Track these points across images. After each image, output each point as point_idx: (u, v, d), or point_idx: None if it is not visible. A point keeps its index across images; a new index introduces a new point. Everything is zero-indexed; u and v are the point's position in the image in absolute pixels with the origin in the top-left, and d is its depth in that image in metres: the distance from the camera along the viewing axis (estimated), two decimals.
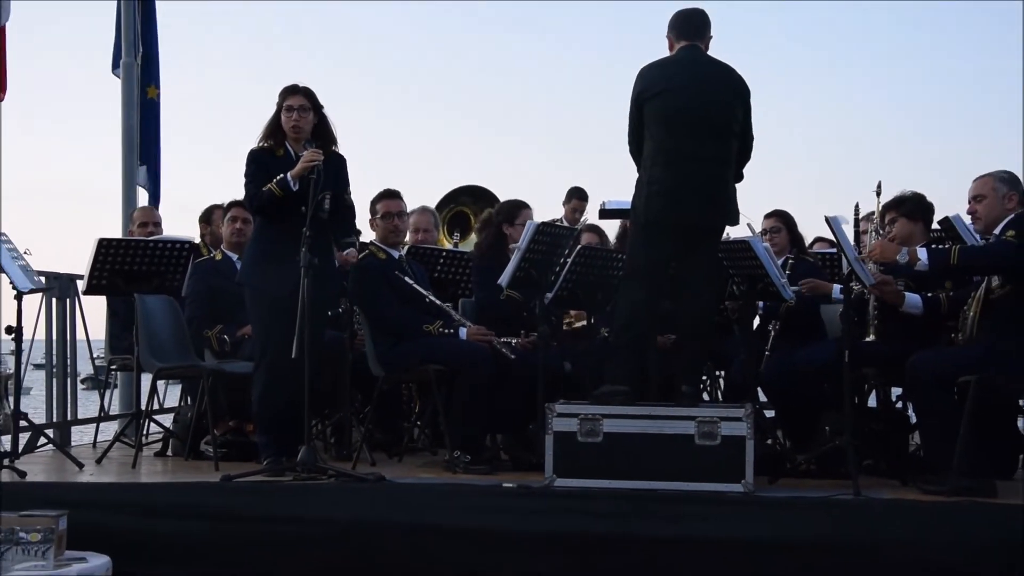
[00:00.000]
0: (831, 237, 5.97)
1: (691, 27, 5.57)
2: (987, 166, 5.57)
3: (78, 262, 6.68)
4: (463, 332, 6.13)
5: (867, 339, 5.77)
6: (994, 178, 5.41)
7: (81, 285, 6.80)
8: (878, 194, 5.93)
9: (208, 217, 7.43)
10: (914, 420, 5.97)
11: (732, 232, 5.91)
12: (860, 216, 5.89)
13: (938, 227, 6.09)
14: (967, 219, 5.70)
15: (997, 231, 5.37)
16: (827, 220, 5.56)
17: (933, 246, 5.52)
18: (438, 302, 6.24)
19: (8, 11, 7.39)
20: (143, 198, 9.25)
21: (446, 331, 6.14)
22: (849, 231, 5.64)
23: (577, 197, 8.76)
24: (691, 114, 5.38)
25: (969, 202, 5.50)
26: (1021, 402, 6.22)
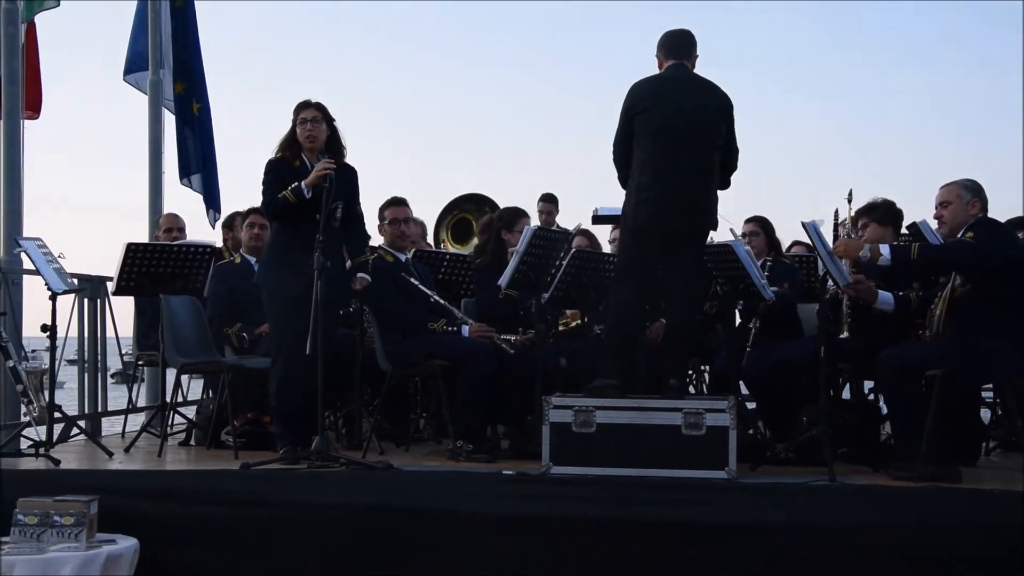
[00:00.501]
0: (807, 240, 5.98)
1: (678, 47, 5.59)
2: (957, 174, 5.55)
3: (109, 265, 6.70)
4: (465, 330, 6.15)
5: (841, 336, 5.78)
6: (959, 185, 5.43)
7: (111, 286, 6.82)
8: (849, 201, 5.94)
9: (231, 223, 7.45)
10: (885, 411, 5.98)
11: (716, 236, 5.93)
12: (838, 221, 5.92)
13: (906, 232, 6.09)
14: (934, 224, 5.71)
15: (960, 235, 5.38)
16: (803, 225, 5.58)
17: (895, 244, 5.50)
18: (442, 301, 6.27)
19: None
20: (168, 206, 9.22)
21: (450, 329, 6.16)
22: (827, 233, 5.67)
23: (545, 200, 8.74)
24: (677, 127, 5.40)
25: (936, 208, 5.50)
26: (984, 394, 6.25)
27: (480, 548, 4.88)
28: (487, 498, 5.00)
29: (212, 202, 9.51)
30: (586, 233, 6.99)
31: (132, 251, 6.36)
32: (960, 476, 5.16)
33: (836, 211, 5.91)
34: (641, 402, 5.26)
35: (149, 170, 9.21)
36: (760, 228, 6.63)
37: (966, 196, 5.40)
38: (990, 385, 6.05)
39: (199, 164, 9.38)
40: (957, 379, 5.17)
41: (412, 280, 6.26)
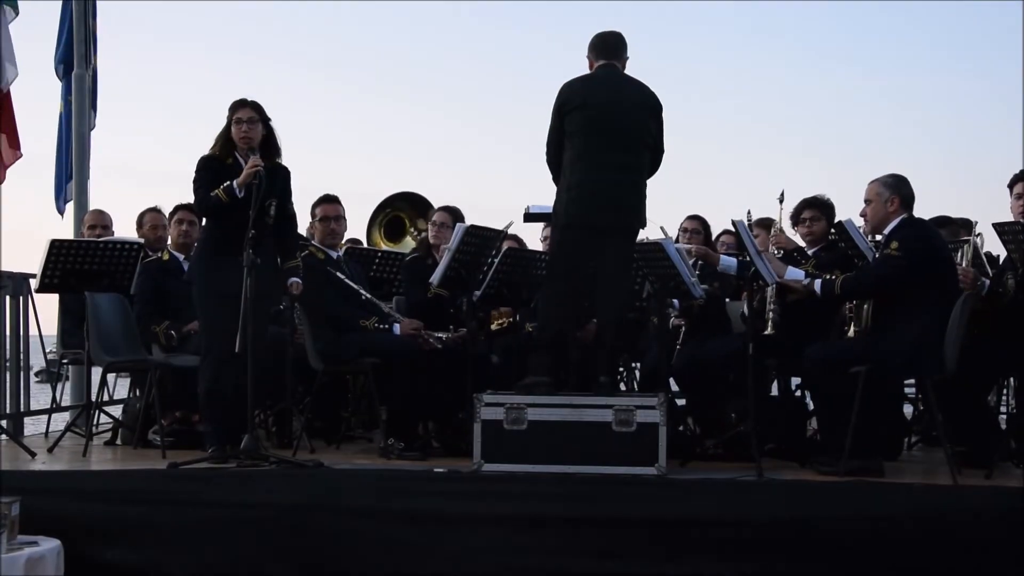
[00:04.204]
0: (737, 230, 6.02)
1: (608, 48, 5.62)
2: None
3: (31, 261, 6.58)
4: (397, 328, 6.11)
5: (766, 332, 5.81)
6: (880, 183, 5.48)
7: (34, 284, 6.66)
8: (781, 201, 6.02)
9: (140, 222, 7.36)
10: (811, 407, 6.06)
11: (649, 234, 5.95)
12: (753, 220, 6.01)
13: (833, 231, 6.16)
14: (858, 222, 5.79)
15: (886, 232, 5.44)
16: (733, 223, 5.65)
17: (825, 278, 5.54)
18: (373, 299, 6.23)
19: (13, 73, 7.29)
20: (94, 202, 9.03)
21: (381, 326, 6.12)
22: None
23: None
24: (607, 126, 5.42)
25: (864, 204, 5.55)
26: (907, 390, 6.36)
27: (411, 546, 4.85)
28: (418, 495, 4.98)
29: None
30: (514, 238, 6.96)
31: (56, 248, 6.22)
32: (883, 470, 5.24)
33: (748, 212, 6.01)
34: (572, 399, 5.26)
35: (75, 165, 9.01)
36: (700, 227, 6.71)
37: (885, 194, 5.45)
38: (912, 380, 6.16)
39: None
40: (880, 375, 5.23)
41: (344, 277, 6.21)
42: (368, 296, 6.23)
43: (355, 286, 6.22)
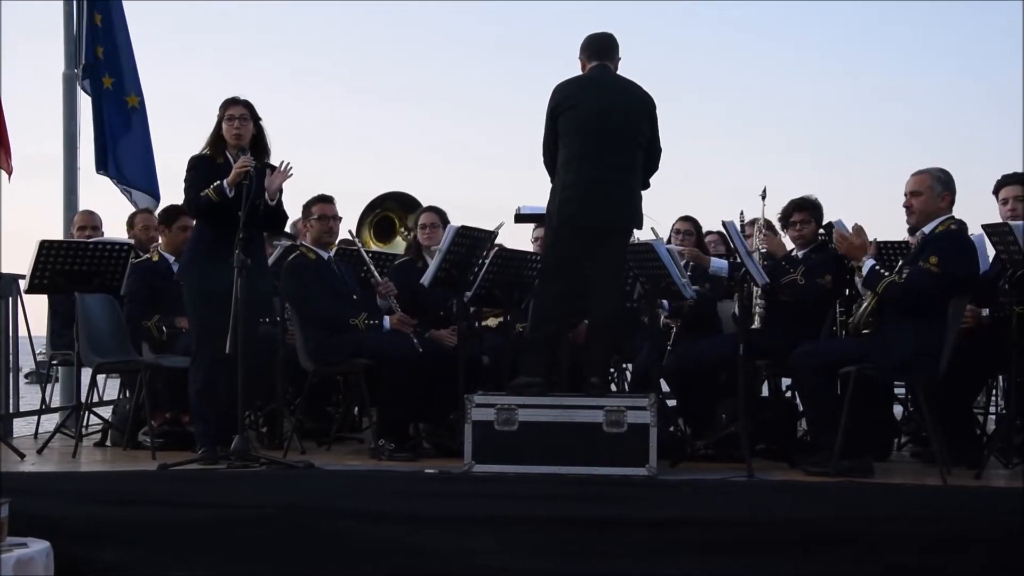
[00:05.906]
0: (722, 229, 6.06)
1: (600, 49, 5.63)
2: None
3: (20, 262, 6.57)
4: (387, 321, 6.12)
5: (753, 327, 5.81)
6: (932, 176, 5.26)
7: (23, 285, 6.65)
8: (763, 198, 6.02)
9: (132, 222, 7.33)
10: (801, 408, 6.08)
11: (639, 235, 5.97)
12: (745, 221, 6.02)
13: (822, 231, 6.18)
14: (849, 223, 5.79)
15: (926, 230, 5.30)
16: (723, 224, 5.67)
17: (876, 267, 5.33)
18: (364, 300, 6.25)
19: None
20: (84, 203, 9.00)
21: (372, 322, 6.12)
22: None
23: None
24: (600, 125, 5.43)
25: (905, 196, 5.35)
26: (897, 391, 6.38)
27: (402, 547, 4.86)
28: (409, 496, 4.99)
29: (154, 192, 9.30)
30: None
31: (46, 248, 6.22)
32: (872, 470, 5.26)
33: (741, 212, 6.03)
34: (563, 400, 5.28)
35: (64, 166, 8.98)
36: (692, 228, 6.73)
37: (937, 188, 5.24)
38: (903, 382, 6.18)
39: (140, 159, 9.15)
40: (870, 376, 5.23)
41: (335, 276, 6.23)
42: (359, 297, 6.25)
43: (347, 286, 6.24)
